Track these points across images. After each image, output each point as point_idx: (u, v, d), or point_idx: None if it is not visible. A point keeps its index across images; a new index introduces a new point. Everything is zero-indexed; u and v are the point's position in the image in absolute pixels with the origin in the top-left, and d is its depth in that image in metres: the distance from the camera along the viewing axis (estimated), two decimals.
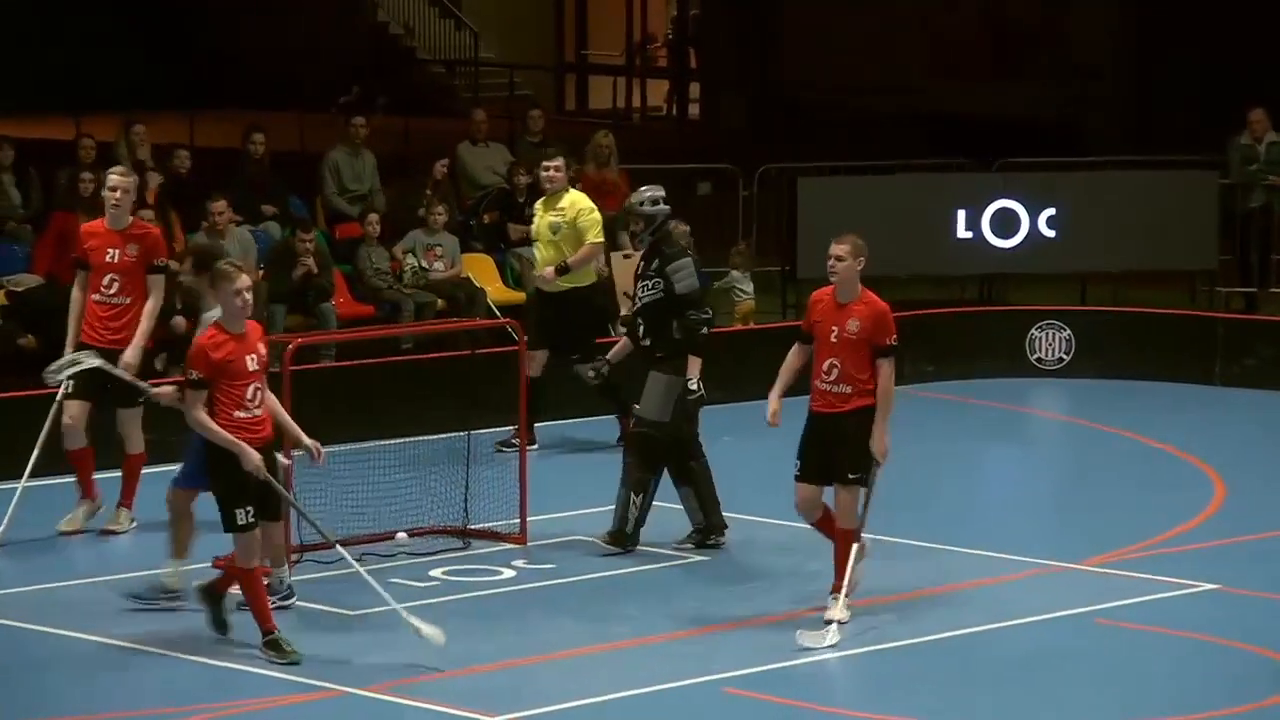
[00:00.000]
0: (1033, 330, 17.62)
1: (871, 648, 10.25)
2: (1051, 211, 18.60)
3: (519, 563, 11.76)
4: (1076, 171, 19.61)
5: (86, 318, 11.99)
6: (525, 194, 17.89)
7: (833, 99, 26.80)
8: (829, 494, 10.54)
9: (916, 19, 27.27)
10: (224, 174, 17.30)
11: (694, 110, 31.53)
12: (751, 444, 15.06)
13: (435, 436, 13.95)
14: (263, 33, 29.57)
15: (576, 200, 14.24)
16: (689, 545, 11.91)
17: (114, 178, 12.11)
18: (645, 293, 11.88)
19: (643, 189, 12.23)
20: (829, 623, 10.16)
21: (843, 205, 18.61)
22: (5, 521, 11.75)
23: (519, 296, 17.47)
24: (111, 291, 11.92)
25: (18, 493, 11.83)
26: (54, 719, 8.98)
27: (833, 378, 10.30)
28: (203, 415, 9.68)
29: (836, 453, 10.29)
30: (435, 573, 11.54)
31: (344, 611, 10.80)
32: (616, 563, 11.77)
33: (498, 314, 16.07)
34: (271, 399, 10.01)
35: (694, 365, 11.73)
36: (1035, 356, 17.63)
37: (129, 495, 12.21)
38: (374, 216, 17.01)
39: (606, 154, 18.49)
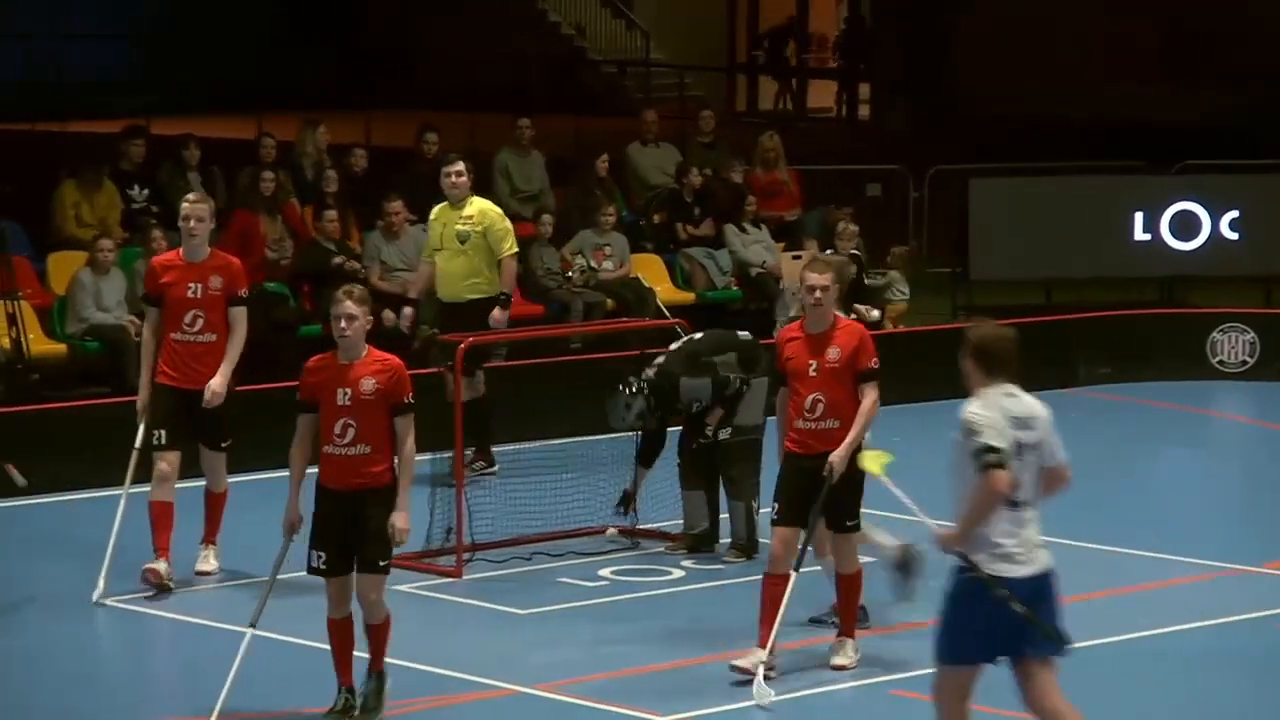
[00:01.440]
0: (1214, 333, 17.34)
1: None
2: (1235, 214, 18.33)
3: (687, 563, 11.74)
4: (1262, 174, 19.26)
5: (165, 358, 10.91)
6: (694, 195, 17.91)
7: (1005, 102, 26.53)
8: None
9: (1092, 22, 26.92)
10: (397, 173, 17.46)
11: (863, 111, 31.37)
12: (921, 446, 14.96)
13: (604, 437, 13.99)
14: (437, 34, 29.86)
15: (486, 209, 13.32)
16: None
17: (188, 205, 10.96)
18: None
19: (620, 393, 11.67)
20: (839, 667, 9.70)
21: (1015, 207, 18.47)
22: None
23: (688, 297, 17.46)
24: (196, 329, 10.86)
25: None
26: (227, 715, 9.07)
27: (818, 414, 9.55)
28: (294, 443, 8.98)
29: (831, 497, 9.54)
30: (604, 572, 11.55)
31: (514, 610, 10.84)
32: None
33: (667, 314, 16.04)
34: (405, 452, 8.88)
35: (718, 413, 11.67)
36: (1217, 359, 17.35)
37: (213, 533, 11.30)
38: (547, 217, 17.09)
39: (773, 156, 18.48)
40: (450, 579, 11.32)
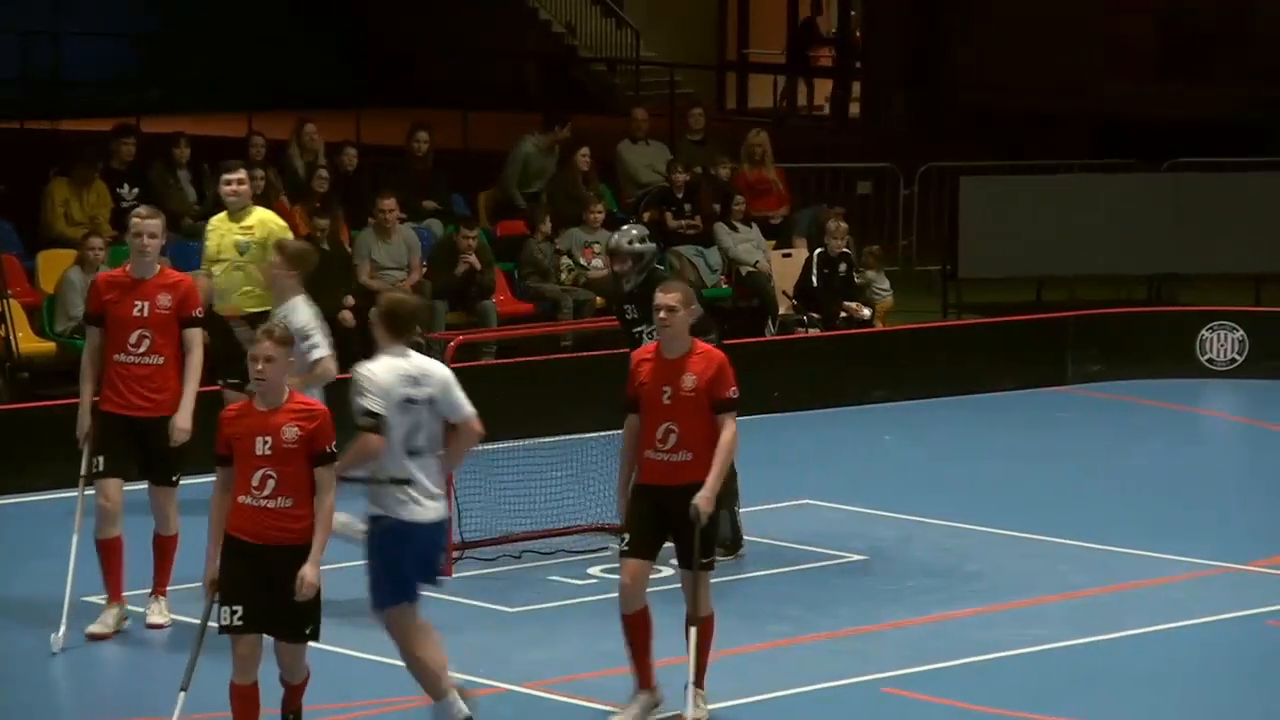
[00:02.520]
0: (1203, 331, 17.35)
1: (1033, 648, 10.14)
2: (1225, 212, 18.32)
3: (675, 561, 11.73)
4: (1249, 172, 19.27)
5: (109, 381, 10.13)
6: (684, 191, 17.92)
7: (1001, 100, 26.55)
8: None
9: (1089, 19, 26.94)
10: (387, 171, 17.46)
11: (854, 109, 31.40)
12: (912, 444, 14.99)
13: (593, 435, 14.00)
14: (429, 33, 29.88)
15: (266, 219, 12.33)
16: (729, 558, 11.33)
17: (138, 220, 10.17)
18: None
19: (626, 227, 11.31)
20: None
21: (1005, 204, 18.50)
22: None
23: None
24: (142, 350, 10.06)
25: None
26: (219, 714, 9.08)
27: (669, 445, 8.89)
28: (214, 494, 8.23)
29: (684, 534, 9.01)
30: (594, 570, 11.55)
31: (504, 609, 10.85)
32: (775, 562, 11.71)
33: None
34: (324, 504, 8.16)
35: None
36: (1206, 357, 17.36)
37: (163, 583, 10.41)
38: (547, 214, 17.10)
39: (760, 152, 18.46)
40: (440, 577, 11.29)
